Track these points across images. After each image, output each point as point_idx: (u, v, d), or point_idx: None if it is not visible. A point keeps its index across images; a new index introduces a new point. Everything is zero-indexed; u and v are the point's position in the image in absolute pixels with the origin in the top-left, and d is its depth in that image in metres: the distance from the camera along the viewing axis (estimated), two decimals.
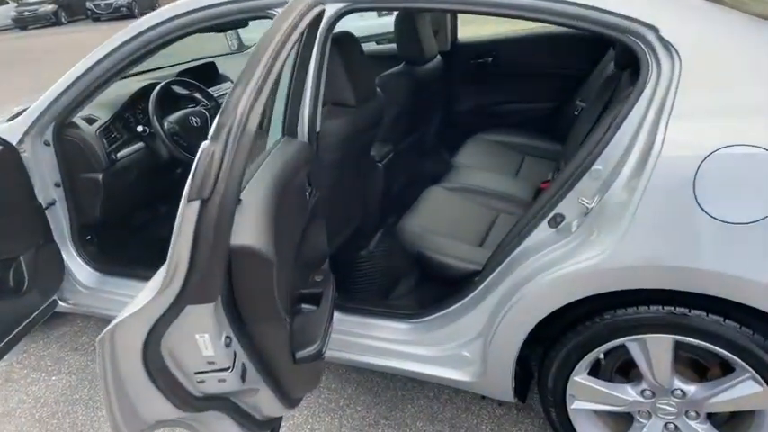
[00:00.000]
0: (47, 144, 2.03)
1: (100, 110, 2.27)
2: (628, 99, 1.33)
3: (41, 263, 2.06)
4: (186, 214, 0.97)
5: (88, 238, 2.28)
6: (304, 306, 1.48)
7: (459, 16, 3.06)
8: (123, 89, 2.47)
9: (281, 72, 1.14)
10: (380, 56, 3.29)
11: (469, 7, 1.47)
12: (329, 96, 1.84)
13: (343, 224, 2.17)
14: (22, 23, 19.76)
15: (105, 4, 19.27)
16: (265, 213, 1.21)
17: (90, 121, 2.20)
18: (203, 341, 1.12)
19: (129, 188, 2.31)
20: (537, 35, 3.02)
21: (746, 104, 1.21)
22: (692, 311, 1.30)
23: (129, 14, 19.33)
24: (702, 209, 1.19)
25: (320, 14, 1.42)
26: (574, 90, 2.79)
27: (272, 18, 1.72)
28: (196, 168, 0.95)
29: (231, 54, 3.69)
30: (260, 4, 1.68)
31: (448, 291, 1.75)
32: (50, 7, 19.82)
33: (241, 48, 4.18)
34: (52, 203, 2.11)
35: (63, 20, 20.10)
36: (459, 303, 1.65)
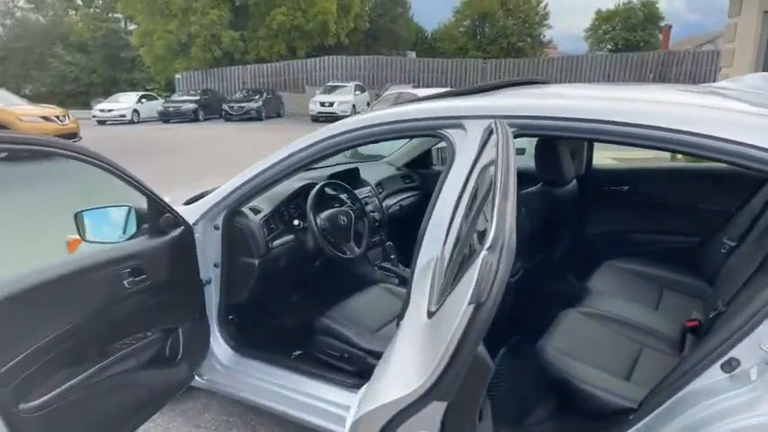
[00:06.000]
0: (216, 228, 2.26)
1: (263, 202, 2.50)
2: None
3: (194, 337, 2.21)
4: (464, 316, 0.99)
5: (230, 317, 2.42)
6: None
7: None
8: (282, 186, 2.73)
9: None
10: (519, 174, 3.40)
11: (634, 141, 1.50)
12: None
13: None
14: (165, 117, 22.69)
15: (238, 106, 22.77)
16: None
17: (255, 211, 2.42)
18: None
19: (275, 275, 2.47)
20: (676, 168, 3.01)
21: None
22: None
23: (257, 117, 21.92)
24: None
25: None
26: (719, 227, 2.69)
27: (440, 138, 1.87)
28: (479, 275, 0.98)
29: (364, 162, 3.94)
30: (432, 125, 1.85)
31: (593, 425, 1.65)
32: (192, 105, 22.89)
33: (357, 155, 4.28)
34: (208, 282, 2.29)
35: (200, 117, 22.83)
36: None
